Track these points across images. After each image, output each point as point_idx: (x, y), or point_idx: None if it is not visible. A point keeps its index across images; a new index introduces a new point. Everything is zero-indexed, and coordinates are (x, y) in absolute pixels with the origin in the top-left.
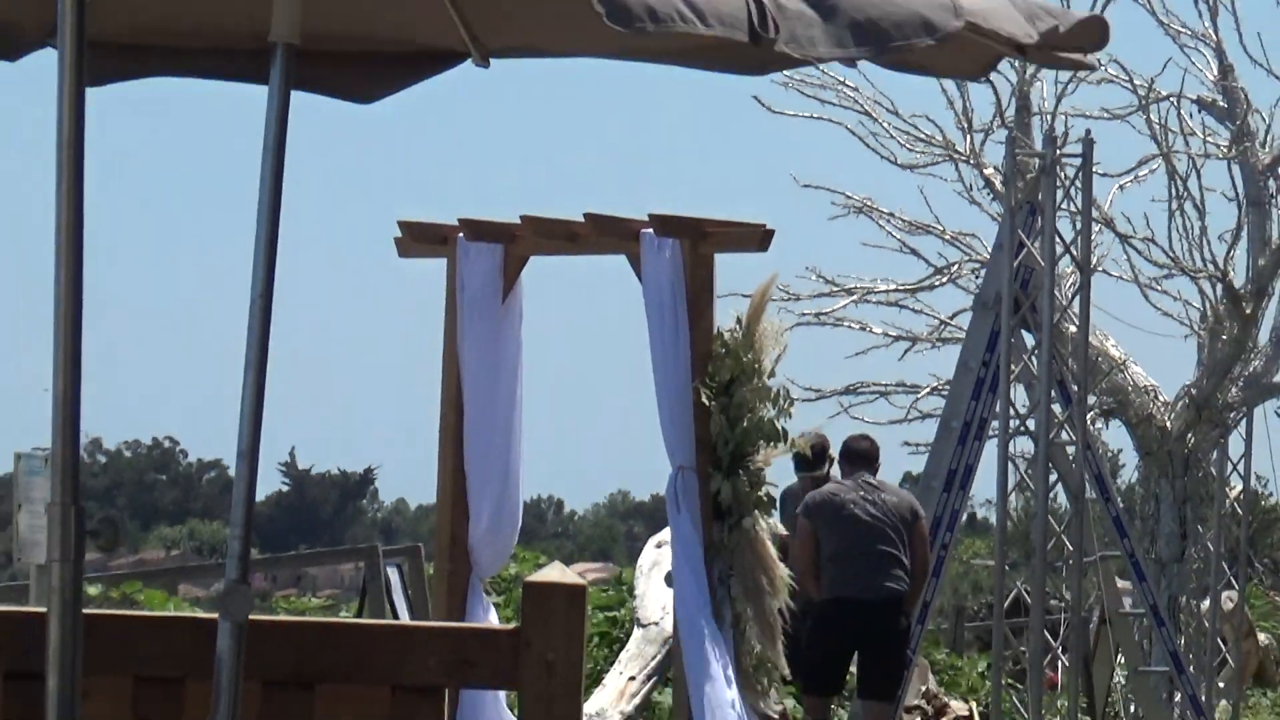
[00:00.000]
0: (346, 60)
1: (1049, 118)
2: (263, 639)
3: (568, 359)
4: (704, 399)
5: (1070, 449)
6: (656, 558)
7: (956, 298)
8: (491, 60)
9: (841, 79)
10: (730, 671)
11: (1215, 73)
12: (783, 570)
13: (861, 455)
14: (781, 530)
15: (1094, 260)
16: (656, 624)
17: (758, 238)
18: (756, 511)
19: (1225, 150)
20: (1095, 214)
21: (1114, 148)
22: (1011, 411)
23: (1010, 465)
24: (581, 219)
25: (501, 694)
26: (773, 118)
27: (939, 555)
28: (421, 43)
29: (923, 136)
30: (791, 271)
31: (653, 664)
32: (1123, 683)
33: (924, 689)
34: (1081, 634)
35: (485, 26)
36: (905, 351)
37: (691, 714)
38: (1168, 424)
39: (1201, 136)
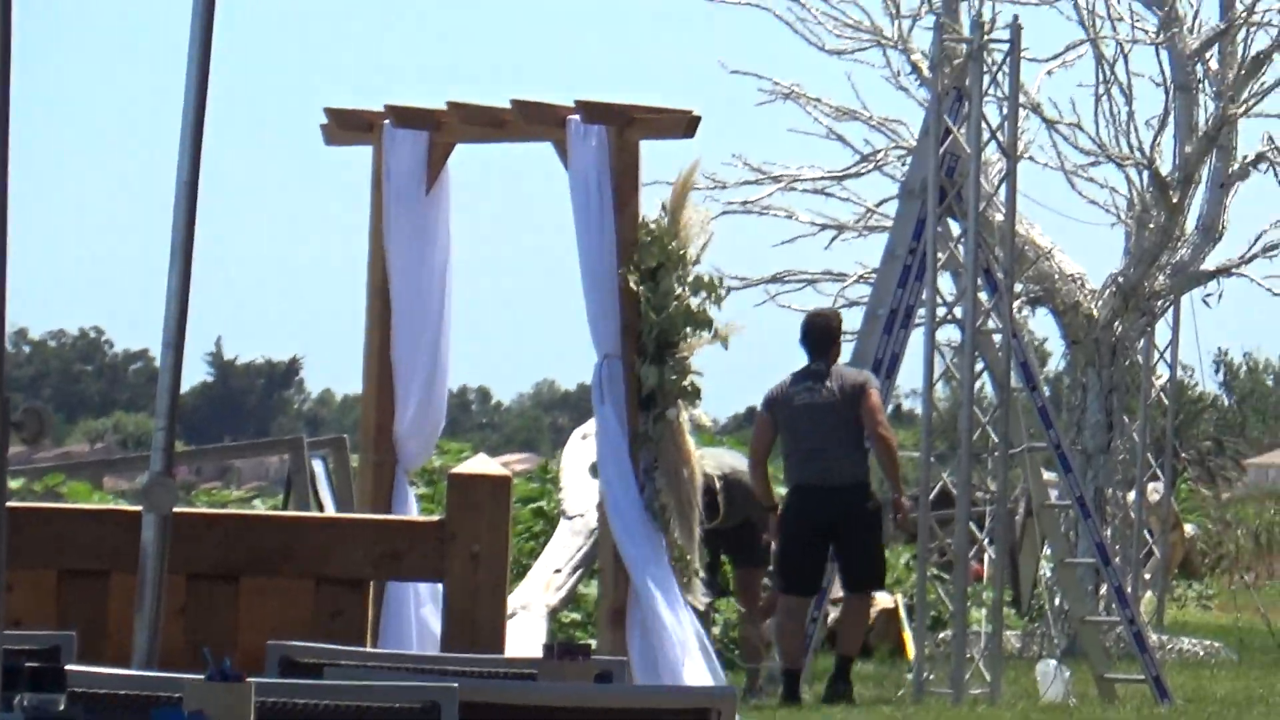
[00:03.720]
0: None
1: (976, 3)
2: (187, 531)
3: (494, 247)
4: (631, 284)
5: (997, 337)
6: (582, 450)
7: (883, 185)
8: None
9: None
10: (665, 562)
11: None
12: (700, 464)
13: (807, 338)
14: (706, 421)
15: (1021, 147)
16: (582, 516)
17: (684, 124)
18: (681, 402)
19: (1153, 35)
20: (1022, 100)
21: (1041, 33)
22: (938, 299)
23: (936, 354)
24: (508, 105)
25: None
26: (700, 3)
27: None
28: None
29: (850, 22)
30: (718, 158)
31: (578, 556)
32: (1048, 574)
33: None
34: (1007, 526)
35: None
36: (832, 239)
37: (634, 605)
38: (1094, 312)
39: (1129, 22)
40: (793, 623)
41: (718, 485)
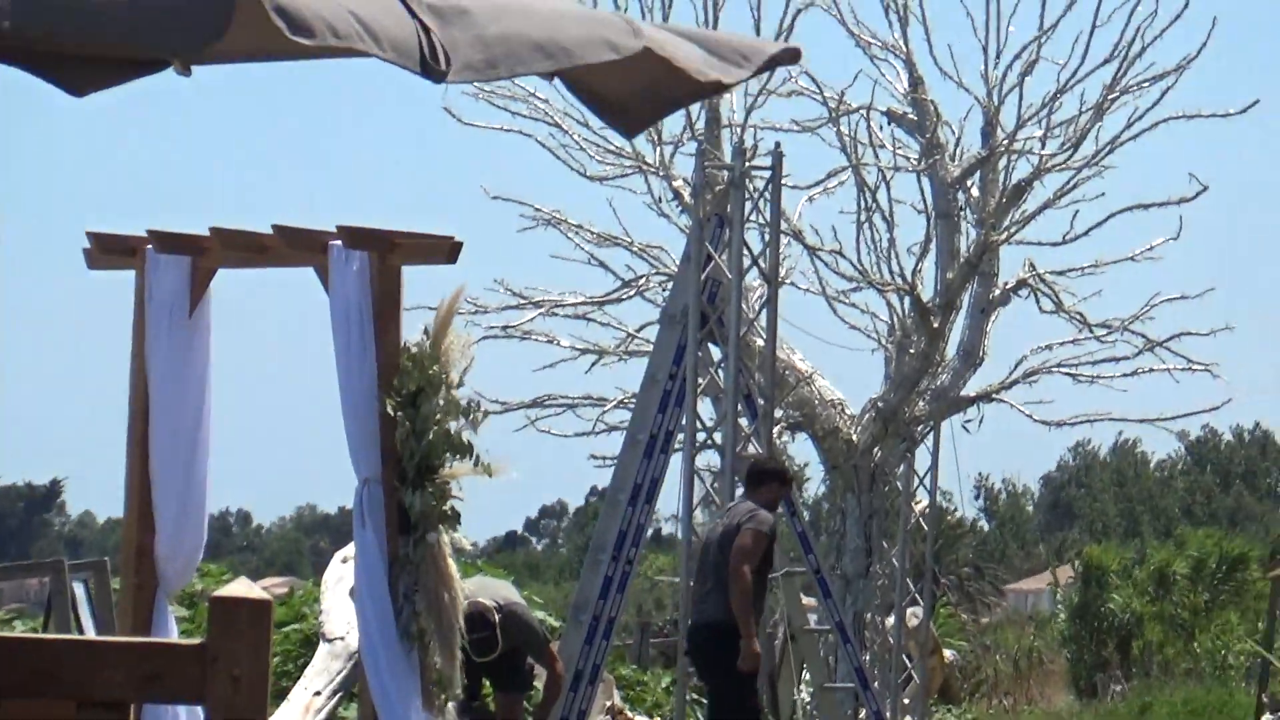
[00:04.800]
0: (61, 51)
1: (739, 130)
2: None
3: (256, 372)
4: (389, 409)
5: None
6: (342, 573)
7: (644, 310)
8: (193, 68)
9: (533, 90)
10: (416, 688)
11: (906, 85)
12: (461, 587)
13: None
14: (466, 544)
15: (782, 273)
16: (342, 639)
17: (446, 250)
18: (441, 526)
19: (915, 163)
20: (784, 226)
21: (804, 160)
22: (698, 424)
23: (696, 479)
24: (270, 231)
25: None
26: (463, 129)
27: (624, 571)
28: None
29: (612, 148)
30: (481, 284)
31: (339, 679)
32: (807, 699)
33: (609, 704)
34: (767, 650)
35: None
36: (593, 364)
37: None
38: (854, 437)
39: (891, 149)
40: None
41: (496, 619)
